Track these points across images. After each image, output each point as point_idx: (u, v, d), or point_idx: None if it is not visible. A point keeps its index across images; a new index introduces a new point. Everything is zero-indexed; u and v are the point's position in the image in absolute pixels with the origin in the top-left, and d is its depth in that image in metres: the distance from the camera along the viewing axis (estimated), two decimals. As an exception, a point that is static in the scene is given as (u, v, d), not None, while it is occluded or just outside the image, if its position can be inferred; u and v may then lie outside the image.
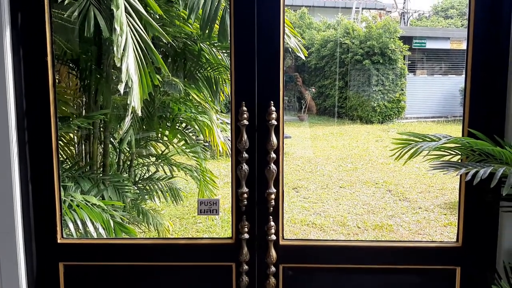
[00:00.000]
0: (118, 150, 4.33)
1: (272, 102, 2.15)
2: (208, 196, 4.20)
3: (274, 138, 2.15)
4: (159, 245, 2.32)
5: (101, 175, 4.00)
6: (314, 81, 11.58)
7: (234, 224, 2.23)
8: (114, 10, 2.44)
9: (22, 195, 2.15)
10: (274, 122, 2.14)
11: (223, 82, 4.02)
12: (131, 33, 2.59)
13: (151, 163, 4.59)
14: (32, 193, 2.18)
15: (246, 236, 2.18)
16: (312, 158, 7.87)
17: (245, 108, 2.14)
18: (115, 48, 2.45)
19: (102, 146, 4.05)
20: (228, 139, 4.25)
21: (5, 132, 2.08)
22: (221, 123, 4.43)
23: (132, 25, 2.62)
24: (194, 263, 2.28)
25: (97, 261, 2.27)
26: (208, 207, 2.28)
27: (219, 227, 5.41)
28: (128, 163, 4.39)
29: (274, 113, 2.15)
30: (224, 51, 4.08)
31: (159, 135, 4.34)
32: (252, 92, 2.17)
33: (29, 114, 2.16)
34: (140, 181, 4.53)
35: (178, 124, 4.34)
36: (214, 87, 3.95)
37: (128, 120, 3.48)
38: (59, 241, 2.22)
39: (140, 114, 2.92)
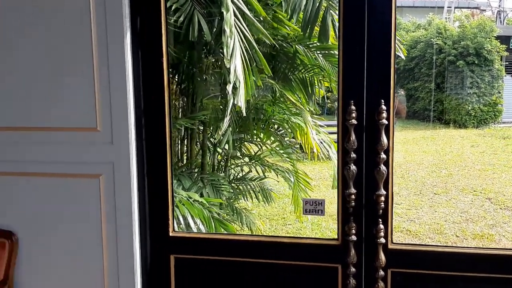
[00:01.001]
0: (213, 150, 4.46)
1: (382, 100, 2.09)
2: (300, 198, 4.19)
3: (384, 138, 2.09)
4: (264, 242, 2.34)
5: (198, 173, 4.15)
6: (402, 83, 11.17)
7: (340, 225, 2.19)
8: (224, 12, 2.52)
9: (138, 189, 2.27)
10: (384, 121, 2.08)
11: (319, 84, 4.00)
12: (238, 34, 2.66)
13: (244, 163, 4.68)
14: (147, 187, 2.31)
15: (354, 238, 2.14)
16: (403, 163, 7.59)
17: (353, 107, 2.11)
18: (224, 49, 2.53)
19: (200, 146, 4.20)
20: (321, 141, 4.22)
21: (125, 130, 2.22)
22: (313, 125, 4.41)
23: (238, 26, 2.69)
24: (298, 262, 2.27)
25: (205, 255, 2.34)
26: (313, 207, 2.27)
27: (309, 229, 5.38)
28: (223, 163, 4.51)
29: (385, 112, 2.09)
30: (319, 52, 4.06)
31: (253, 136, 4.41)
32: (361, 91, 2.12)
33: (146, 112, 2.28)
34: (233, 181, 4.63)
35: (271, 126, 4.39)
36: (309, 88, 3.94)
37: (226, 121, 3.57)
38: (170, 234, 2.32)
39: (244, 114, 2.99)
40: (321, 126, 4.55)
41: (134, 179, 2.25)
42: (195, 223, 3.37)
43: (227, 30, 2.53)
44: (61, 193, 2.31)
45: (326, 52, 3.97)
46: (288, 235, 5.36)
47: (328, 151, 4.19)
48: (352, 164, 2.13)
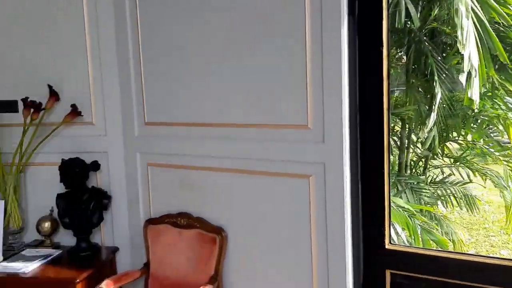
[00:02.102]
0: (406, 148, 4.06)
1: None
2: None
3: None
4: (505, 267, 1.91)
5: (394, 175, 3.80)
6: None
7: None
8: (459, -12, 2.14)
9: (352, 193, 2.05)
10: None
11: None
12: (472, 15, 2.25)
13: (444, 164, 4.17)
14: (361, 192, 2.07)
15: None
16: None
17: None
18: (458, 32, 2.15)
19: (397, 144, 3.85)
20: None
21: (339, 128, 2.01)
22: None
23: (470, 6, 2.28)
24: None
25: (425, 274, 2.01)
26: None
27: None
28: (421, 163, 4.08)
29: None
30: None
31: (459, 135, 3.88)
32: None
33: (362, 109, 2.05)
34: (431, 184, 4.16)
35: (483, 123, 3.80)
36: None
37: (433, 116, 3.16)
38: (387, 246, 2.05)
39: (476, 109, 2.57)
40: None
41: (347, 183, 2.03)
42: (395, 230, 3.05)
43: (462, 9, 2.13)
44: (270, 191, 2.22)
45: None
46: (491, 247, 4.65)
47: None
48: None
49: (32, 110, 2.50)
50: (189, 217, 2.45)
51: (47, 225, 2.59)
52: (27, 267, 2.32)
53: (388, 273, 2.05)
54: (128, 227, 2.66)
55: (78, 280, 2.22)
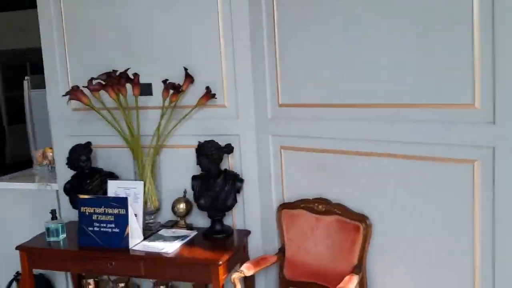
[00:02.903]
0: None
1: None
2: None
3: None
4: None
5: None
6: None
7: None
8: None
9: None
10: None
11: None
12: None
13: None
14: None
15: None
16: None
17: None
18: None
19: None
20: None
21: (509, 107, 1.78)
22: None
23: None
24: None
25: None
26: None
27: None
28: None
29: None
30: None
31: None
32: None
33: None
34: None
35: None
36: None
37: None
38: None
39: None
40: None
41: None
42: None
43: None
44: (424, 178, 2.03)
45: None
46: None
47: None
48: None
49: (171, 92, 2.51)
50: (327, 202, 2.33)
51: (182, 206, 2.61)
52: (169, 247, 2.34)
53: None
54: (259, 211, 2.61)
55: (220, 262, 2.20)
